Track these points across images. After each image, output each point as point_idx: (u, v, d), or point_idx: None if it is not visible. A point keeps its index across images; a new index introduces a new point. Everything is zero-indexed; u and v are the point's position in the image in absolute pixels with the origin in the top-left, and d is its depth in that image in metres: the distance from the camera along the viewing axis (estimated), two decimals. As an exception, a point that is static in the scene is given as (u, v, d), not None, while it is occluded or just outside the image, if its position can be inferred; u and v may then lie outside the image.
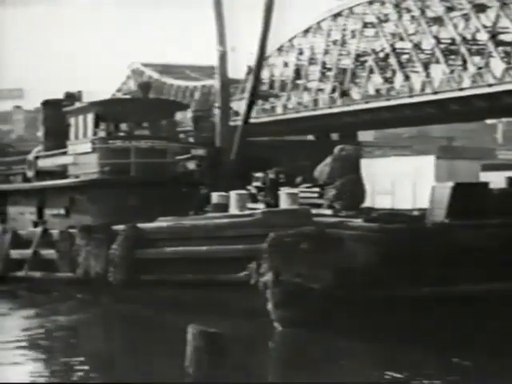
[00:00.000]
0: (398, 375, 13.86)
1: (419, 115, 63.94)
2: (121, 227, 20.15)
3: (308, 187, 21.57)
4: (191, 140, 25.47)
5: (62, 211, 22.95)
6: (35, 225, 23.95)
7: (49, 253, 22.18)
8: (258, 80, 24.34)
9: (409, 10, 67.28)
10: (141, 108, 23.23)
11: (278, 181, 21.36)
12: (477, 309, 15.77)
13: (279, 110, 76.77)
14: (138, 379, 13.62)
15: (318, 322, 16.08)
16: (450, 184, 17.03)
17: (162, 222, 19.93)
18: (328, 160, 19.66)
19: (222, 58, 23.66)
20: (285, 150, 24.83)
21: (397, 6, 68.06)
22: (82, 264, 20.87)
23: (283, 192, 19.31)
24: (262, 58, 23.21)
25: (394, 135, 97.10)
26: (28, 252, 23.04)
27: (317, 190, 20.73)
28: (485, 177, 19.38)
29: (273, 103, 77.70)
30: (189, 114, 28.18)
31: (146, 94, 24.24)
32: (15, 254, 23.76)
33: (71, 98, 24.55)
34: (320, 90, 74.06)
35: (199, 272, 18.60)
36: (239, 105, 74.70)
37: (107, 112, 22.55)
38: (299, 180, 22.15)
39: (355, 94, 70.37)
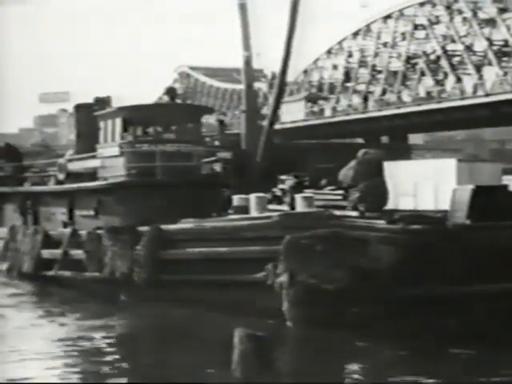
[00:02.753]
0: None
1: (471, 118, 63.07)
2: (145, 228, 20.51)
3: (332, 190, 21.73)
4: (217, 143, 25.74)
5: (91, 212, 23.42)
6: (65, 225, 24.49)
7: (77, 253, 22.68)
8: (283, 84, 24.43)
9: (460, 12, 66.39)
10: (167, 113, 23.59)
11: (301, 183, 21.49)
12: (495, 308, 15.77)
13: (328, 112, 76.49)
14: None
15: (336, 322, 16.14)
16: (471, 186, 17.08)
17: (185, 224, 20.23)
18: (352, 163, 19.82)
19: (247, 62, 23.86)
20: (311, 153, 24.91)
21: (448, 7, 67.23)
22: (108, 264, 21.31)
23: (299, 195, 19.44)
24: (287, 62, 23.31)
25: (446, 138, 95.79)
26: (58, 252, 23.62)
27: (341, 192, 20.87)
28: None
29: (321, 106, 77.46)
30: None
31: (172, 99, 24.60)
32: (46, 253, 24.39)
33: (101, 102, 25.03)
34: (370, 92, 73.60)
35: (219, 272, 18.83)
36: (287, 107, 74.56)
37: (134, 117, 22.97)
38: (324, 182, 22.28)
39: (406, 96, 69.74)
